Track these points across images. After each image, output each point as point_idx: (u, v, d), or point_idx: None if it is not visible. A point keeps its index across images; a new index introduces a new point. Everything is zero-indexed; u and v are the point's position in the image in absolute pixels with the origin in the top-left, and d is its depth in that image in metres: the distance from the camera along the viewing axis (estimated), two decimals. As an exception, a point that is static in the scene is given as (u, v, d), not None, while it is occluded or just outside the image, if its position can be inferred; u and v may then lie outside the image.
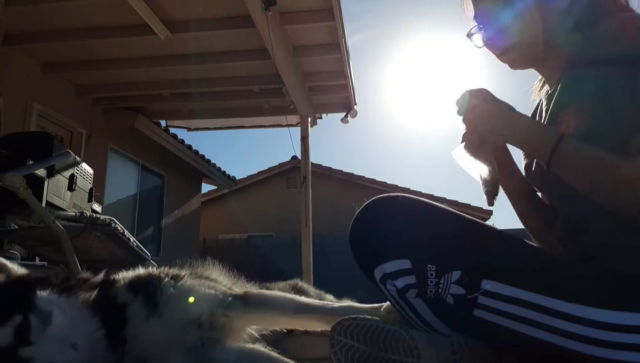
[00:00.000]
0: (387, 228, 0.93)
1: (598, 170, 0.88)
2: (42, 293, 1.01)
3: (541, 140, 0.93)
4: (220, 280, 1.34)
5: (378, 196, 0.97)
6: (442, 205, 0.97)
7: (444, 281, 0.88)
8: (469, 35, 1.16)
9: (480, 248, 0.91)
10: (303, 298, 1.29)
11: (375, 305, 1.20)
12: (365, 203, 0.97)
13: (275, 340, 1.33)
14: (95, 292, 1.12)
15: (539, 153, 0.94)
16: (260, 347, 1.24)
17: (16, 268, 1.04)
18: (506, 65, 1.14)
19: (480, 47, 1.14)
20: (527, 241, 0.96)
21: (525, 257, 0.91)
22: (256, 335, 1.28)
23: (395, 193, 0.97)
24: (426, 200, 0.98)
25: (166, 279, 1.22)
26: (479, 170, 1.12)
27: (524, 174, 1.16)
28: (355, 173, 13.60)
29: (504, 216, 23.69)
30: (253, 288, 1.23)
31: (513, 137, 0.97)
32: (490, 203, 1.03)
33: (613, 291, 0.84)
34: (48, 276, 1.07)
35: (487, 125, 0.96)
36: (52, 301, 1.02)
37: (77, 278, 1.15)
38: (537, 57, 1.09)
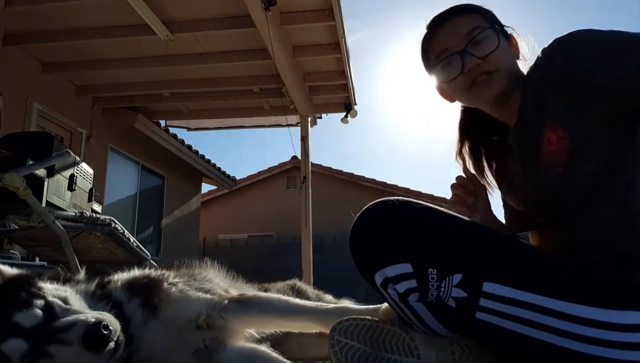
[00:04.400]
0: (387, 232, 0.92)
1: None
2: (47, 284, 1.05)
3: None
4: (217, 282, 1.35)
5: (377, 200, 0.97)
6: (441, 208, 0.97)
7: (445, 284, 0.88)
8: (446, 63, 1.15)
9: (481, 250, 0.91)
10: (297, 300, 1.30)
11: (371, 306, 1.20)
12: (364, 207, 0.97)
13: (275, 340, 1.33)
14: (94, 285, 1.15)
15: None
16: (261, 347, 1.25)
17: (9, 269, 1.07)
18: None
19: (453, 78, 1.15)
20: (527, 242, 0.96)
21: (526, 259, 0.91)
22: (257, 335, 1.29)
23: (394, 197, 0.97)
24: (425, 203, 0.98)
25: (165, 282, 1.22)
26: None
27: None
28: (355, 173, 13.62)
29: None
30: (250, 291, 1.24)
31: None
32: None
33: (614, 290, 0.84)
34: (40, 273, 1.11)
35: None
36: (60, 288, 1.06)
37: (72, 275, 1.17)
38: (509, 89, 1.11)
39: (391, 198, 0.98)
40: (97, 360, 0.92)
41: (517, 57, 1.16)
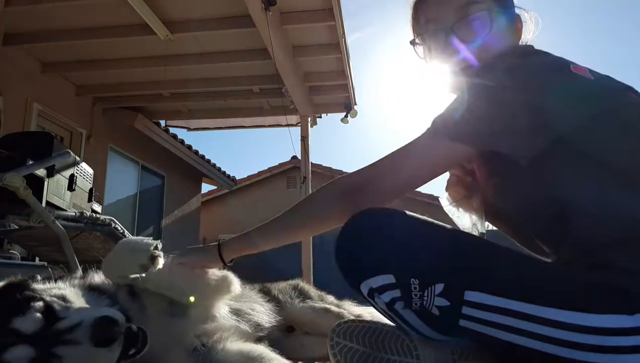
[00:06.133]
0: (370, 243, 0.92)
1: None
2: (41, 285, 1.04)
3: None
4: None
5: (360, 211, 0.96)
6: (424, 217, 0.96)
7: (428, 294, 0.88)
8: (431, 34, 1.05)
9: (462, 259, 0.90)
10: None
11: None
12: (349, 218, 0.96)
13: (275, 339, 1.33)
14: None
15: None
16: (260, 347, 1.25)
17: None
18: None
19: (435, 56, 1.07)
20: (509, 247, 0.94)
21: (508, 265, 0.90)
22: (256, 335, 1.28)
23: (377, 207, 0.96)
24: (408, 212, 0.96)
25: None
26: (466, 218, 1.19)
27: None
28: (355, 173, 13.57)
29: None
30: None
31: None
32: None
33: (596, 295, 0.83)
34: (33, 275, 1.10)
35: None
36: (55, 286, 1.05)
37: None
38: None
39: (374, 208, 0.96)
40: (110, 355, 0.91)
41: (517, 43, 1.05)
